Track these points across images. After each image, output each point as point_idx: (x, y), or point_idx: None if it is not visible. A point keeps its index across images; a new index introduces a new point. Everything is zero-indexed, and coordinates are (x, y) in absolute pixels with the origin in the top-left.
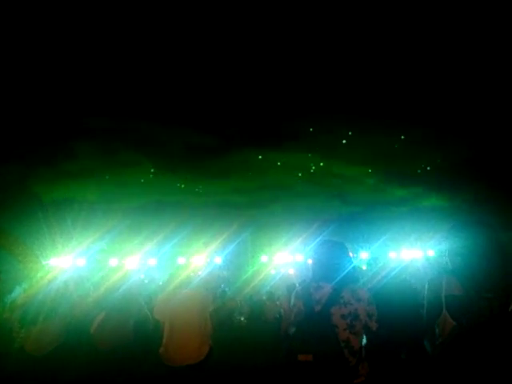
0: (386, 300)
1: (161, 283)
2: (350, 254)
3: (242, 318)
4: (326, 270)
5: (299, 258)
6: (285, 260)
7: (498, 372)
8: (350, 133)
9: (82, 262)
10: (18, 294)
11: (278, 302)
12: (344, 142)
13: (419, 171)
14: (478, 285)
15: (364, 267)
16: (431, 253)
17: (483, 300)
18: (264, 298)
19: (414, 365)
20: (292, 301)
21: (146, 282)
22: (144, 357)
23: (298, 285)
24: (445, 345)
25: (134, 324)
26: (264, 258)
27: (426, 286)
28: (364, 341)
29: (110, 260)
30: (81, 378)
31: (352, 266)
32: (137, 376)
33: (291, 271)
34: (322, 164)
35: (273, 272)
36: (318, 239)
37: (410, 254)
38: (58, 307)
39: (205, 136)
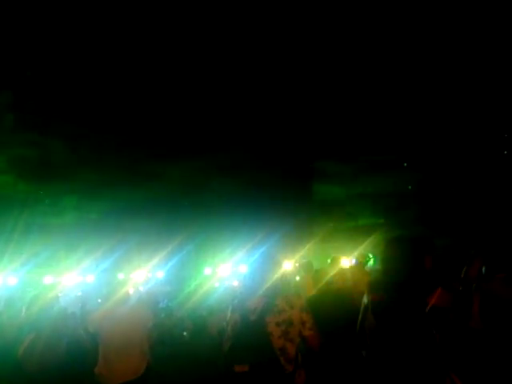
0: (324, 307)
1: (99, 300)
2: (287, 263)
3: (185, 333)
4: (259, 281)
5: (243, 269)
6: (229, 272)
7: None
8: None
9: (13, 280)
10: None
11: (220, 316)
12: None
13: None
14: (403, 291)
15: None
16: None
17: (407, 304)
18: (204, 313)
19: (350, 371)
20: (229, 313)
21: (83, 299)
22: (79, 378)
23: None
24: (375, 350)
25: (68, 344)
26: (208, 271)
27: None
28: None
29: (45, 278)
30: None
31: (285, 274)
32: None
33: (235, 283)
34: None
35: (217, 284)
36: (260, 251)
37: (345, 261)
38: None
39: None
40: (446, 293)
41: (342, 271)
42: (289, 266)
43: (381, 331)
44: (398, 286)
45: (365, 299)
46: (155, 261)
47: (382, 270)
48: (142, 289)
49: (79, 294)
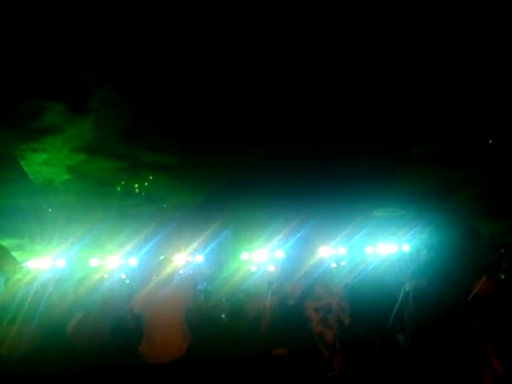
0: (361, 295)
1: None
2: (324, 250)
3: (223, 316)
4: (296, 265)
5: (279, 254)
6: (265, 257)
7: (464, 363)
8: None
9: (61, 263)
10: None
11: (258, 299)
12: None
13: None
14: (448, 278)
15: (343, 263)
16: (406, 248)
17: (451, 290)
18: (241, 295)
19: (387, 357)
20: (268, 298)
21: (128, 281)
22: (123, 355)
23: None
24: (415, 337)
25: (113, 323)
26: (245, 256)
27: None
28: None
29: (91, 260)
30: (58, 378)
31: (323, 261)
32: (116, 375)
33: (271, 268)
34: None
35: (253, 269)
36: (296, 236)
37: (386, 248)
38: (37, 309)
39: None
40: (491, 281)
41: None
42: (327, 251)
43: (421, 318)
44: (442, 274)
45: (407, 286)
46: (195, 245)
47: (427, 257)
48: (181, 272)
49: (123, 276)
